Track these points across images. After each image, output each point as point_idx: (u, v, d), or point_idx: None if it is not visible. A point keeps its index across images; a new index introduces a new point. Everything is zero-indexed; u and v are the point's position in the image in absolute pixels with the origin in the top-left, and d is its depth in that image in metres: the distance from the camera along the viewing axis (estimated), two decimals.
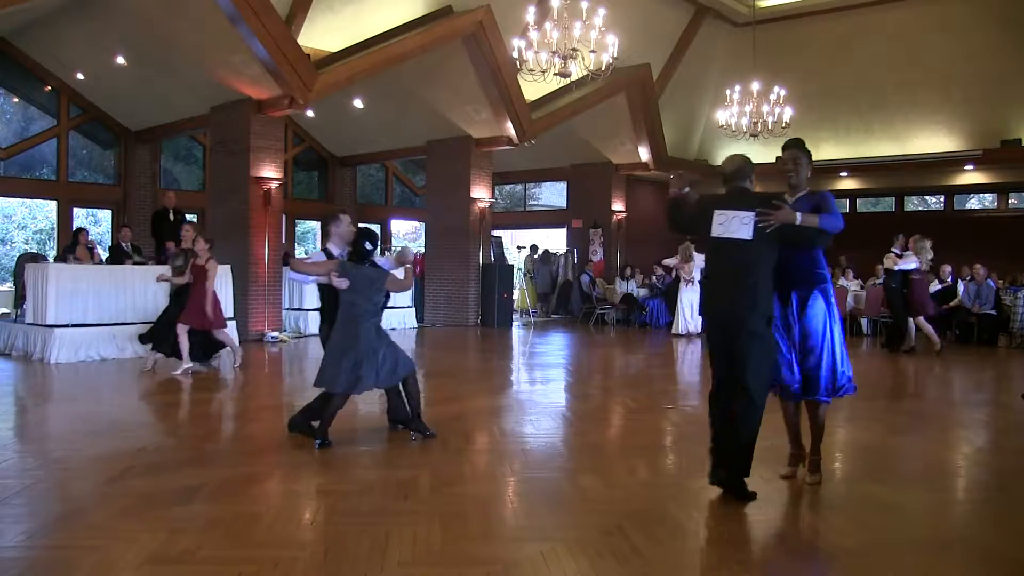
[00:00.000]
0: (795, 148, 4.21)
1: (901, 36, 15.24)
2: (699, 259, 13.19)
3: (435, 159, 15.35)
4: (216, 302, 8.28)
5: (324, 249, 5.57)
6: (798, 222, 3.87)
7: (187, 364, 8.09)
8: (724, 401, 4.02)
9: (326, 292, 5.38)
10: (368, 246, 5.24)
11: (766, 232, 3.86)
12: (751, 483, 4.02)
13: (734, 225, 3.92)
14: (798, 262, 4.05)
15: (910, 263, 10.64)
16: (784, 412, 4.35)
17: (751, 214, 3.89)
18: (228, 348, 8.71)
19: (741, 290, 3.87)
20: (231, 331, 10.47)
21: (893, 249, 10.95)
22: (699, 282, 11.44)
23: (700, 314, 4.37)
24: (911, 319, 10.78)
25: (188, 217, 11.99)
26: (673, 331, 13.36)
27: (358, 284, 5.12)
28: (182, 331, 8.08)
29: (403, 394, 5.41)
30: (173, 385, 7.75)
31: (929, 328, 10.71)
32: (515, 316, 15.39)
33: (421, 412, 5.42)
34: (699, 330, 12.97)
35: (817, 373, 4.07)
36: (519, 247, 17.39)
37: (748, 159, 4.15)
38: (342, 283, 5.10)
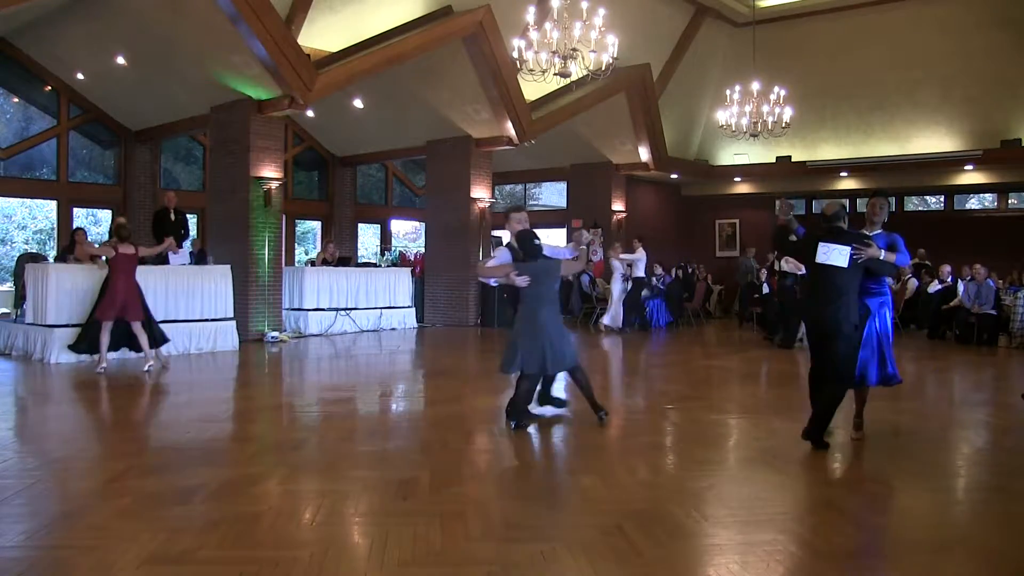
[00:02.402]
0: (883, 198, 5.59)
1: (901, 36, 15.24)
2: (641, 256, 13.67)
3: (435, 159, 15.34)
4: (121, 292, 8.16)
5: (508, 245, 6.00)
6: (881, 258, 5.13)
7: (104, 363, 8.29)
8: (820, 380, 5.25)
9: (506, 287, 5.91)
10: (538, 243, 5.73)
11: (858, 262, 5.08)
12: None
13: (834, 255, 5.12)
14: (870, 283, 5.32)
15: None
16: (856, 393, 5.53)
17: (848, 248, 5.09)
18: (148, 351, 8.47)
19: (838, 304, 5.09)
20: (221, 333, 10.53)
21: None
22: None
23: (804, 318, 5.73)
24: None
25: (188, 217, 12.00)
26: (606, 323, 13.77)
27: (537, 277, 5.62)
28: (106, 328, 8.25)
29: (575, 382, 5.90)
30: (172, 385, 7.75)
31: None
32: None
33: (594, 395, 5.89)
34: (617, 325, 13.45)
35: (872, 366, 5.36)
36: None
37: (844, 206, 5.43)
38: (523, 281, 5.59)
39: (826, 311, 5.12)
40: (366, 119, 15.25)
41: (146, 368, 8.27)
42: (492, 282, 5.98)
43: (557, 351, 5.61)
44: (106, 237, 14.82)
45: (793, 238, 5.64)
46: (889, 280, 6.03)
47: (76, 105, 14.14)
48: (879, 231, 5.45)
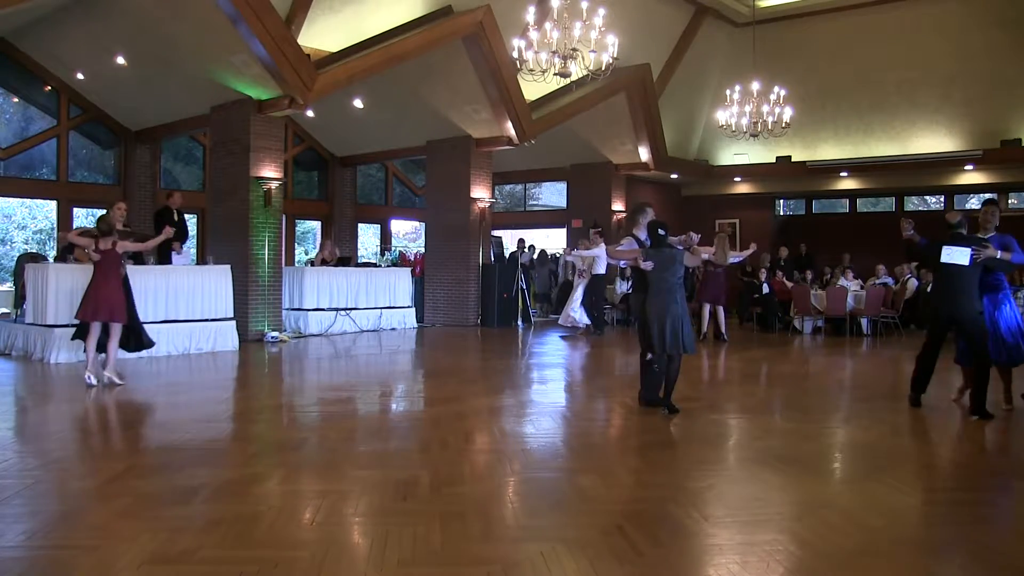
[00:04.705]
0: (995, 205, 6.63)
1: (901, 36, 15.25)
2: (599, 252, 12.66)
3: (435, 159, 15.34)
4: (100, 292, 7.52)
5: (632, 235, 6.78)
6: (998, 257, 6.11)
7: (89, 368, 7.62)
8: (933, 359, 6.42)
9: (636, 271, 6.51)
10: (662, 232, 6.29)
11: (977, 261, 6.06)
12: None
13: (956, 256, 6.12)
14: (989, 278, 6.30)
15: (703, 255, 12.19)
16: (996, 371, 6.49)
17: (968, 249, 6.08)
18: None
19: (962, 297, 6.12)
20: (221, 333, 10.49)
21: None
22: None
23: (933, 308, 6.48)
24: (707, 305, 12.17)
25: (187, 217, 12.00)
26: (561, 323, 13.32)
27: (662, 263, 6.16)
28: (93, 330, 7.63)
29: (668, 370, 6.31)
30: (172, 385, 7.75)
31: (720, 317, 12.05)
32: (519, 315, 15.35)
33: (673, 392, 6.32)
34: (583, 324, 12.97)
35: (1013, 350, 6.36)
36: (521, 240, 17.27)
37: (966, 215, 6.35)
38: (648, 265, 6.16)
39: (953, 303, 6.15)
40: (366, 119, 15.25)
41: (105, 378, 7.53)
42: (622, 263, 6.84)
43: (680, 333, 6.11)
44: None
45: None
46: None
47: (76, 105, 14.14)
48: (992, 234, 6.41)
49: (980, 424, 6.16)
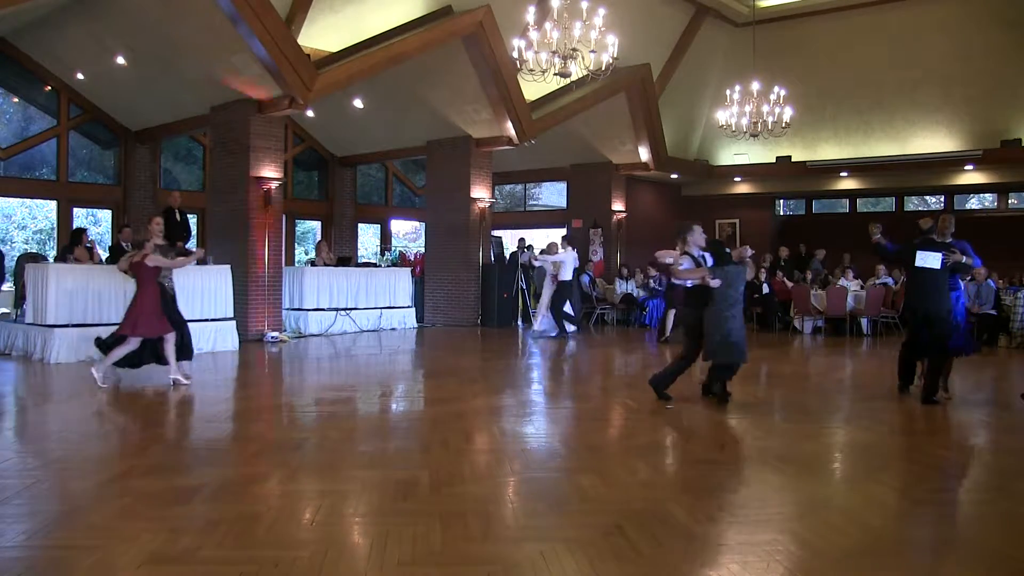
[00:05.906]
0: (951, 215, 7.13)
1: (901, 36, 15.24)
2: (567, 256, 12.80)
3: (435, 159, 15.34)
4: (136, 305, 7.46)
5: (686, 254, 6.88)
6: (963, 261, 6.80)
7: (173, 374, 7.59)
8: (913, 354, 7.13)
9: (695, 288, 6.76)
10: (727, 250, 6.79)
11: (947, 264, 6.70)
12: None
13: (930, 260, 6.75)
14: (948, 279, 6.88)
15: (667, 259, 12.18)
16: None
17: (940, 253, 6.72)
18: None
19: (935, 297, 6.74)
20: (221, 333, 10.42)
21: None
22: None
23: (906, 308, 7.37)
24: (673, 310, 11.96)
25: (189, 217, 12.00)
26: (537, 327, 13.13)
27: (729, 280, 6.58)
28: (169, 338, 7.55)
29: (711, 370, 6.80)
30: (171, 385, 7.75)
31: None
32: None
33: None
34: (542, 328, 12.92)
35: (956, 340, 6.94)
36: (521, 240, 17.24)
37: (934, 223, 7.09)
38: (716, 282, 6.52)
39: (926, 303, 6.74)
40: (366, 119, 15.25)
41: (100, 381, 7.41)
42: (688, 283, 6.95)
43: (736, 343, 6.50)
44: (107, 237, 14.85)
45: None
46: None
47: (76, 105, 14.13)
48: (949, 240, 6.96)
49: (979, 424, 6.16)
